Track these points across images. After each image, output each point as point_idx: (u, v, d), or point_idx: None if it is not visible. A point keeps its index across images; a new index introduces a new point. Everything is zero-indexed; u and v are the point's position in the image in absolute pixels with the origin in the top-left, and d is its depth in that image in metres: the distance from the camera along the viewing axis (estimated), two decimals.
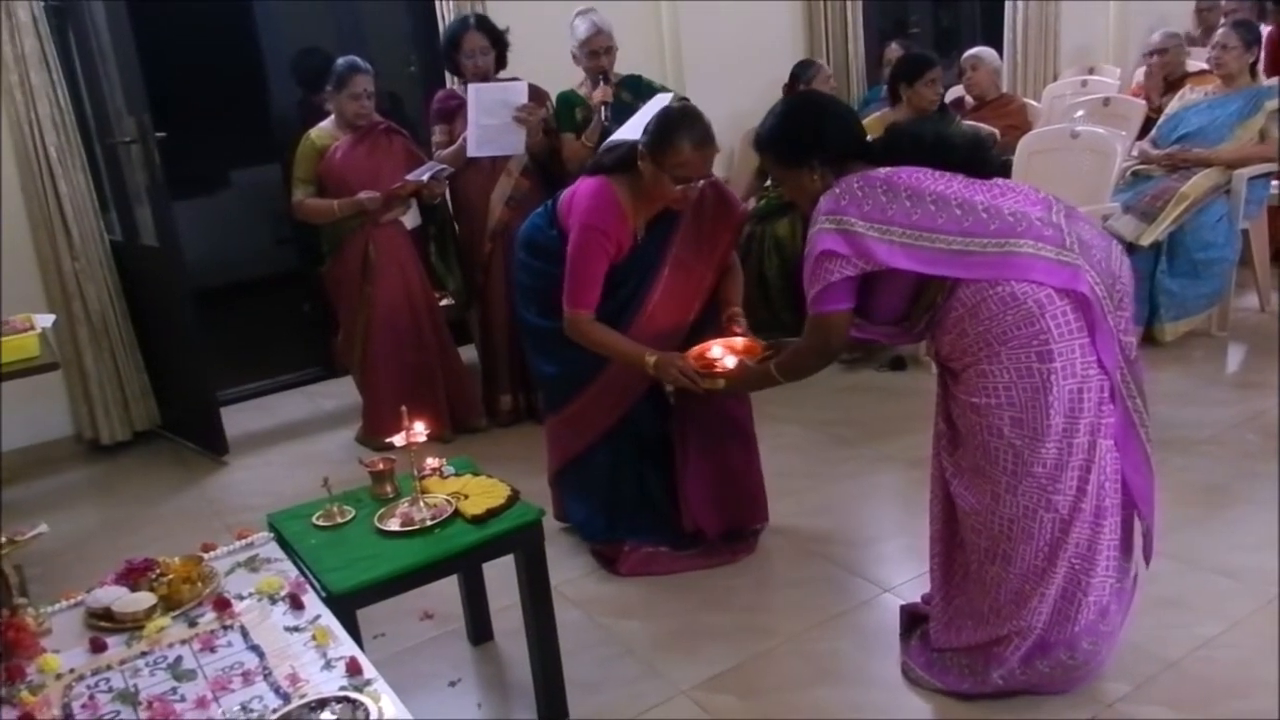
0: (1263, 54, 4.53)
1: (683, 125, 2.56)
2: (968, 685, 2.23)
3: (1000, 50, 6.19)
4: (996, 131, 4.51)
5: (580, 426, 2.88)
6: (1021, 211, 2.06)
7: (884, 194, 2.06)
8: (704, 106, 4.18)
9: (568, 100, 4.04)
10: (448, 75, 4.64)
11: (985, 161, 2.20)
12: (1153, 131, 4.67)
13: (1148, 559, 2.27)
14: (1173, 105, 4.69)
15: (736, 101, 5.49)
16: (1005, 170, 2.25)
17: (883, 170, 2.12)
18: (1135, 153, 4.58)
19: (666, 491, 2.92)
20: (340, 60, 3.90)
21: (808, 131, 2.21)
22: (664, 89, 4.10)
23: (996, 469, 2.08)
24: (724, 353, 2.59)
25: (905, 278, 2.08)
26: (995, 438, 2.07)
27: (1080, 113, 4.90)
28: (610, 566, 2.93)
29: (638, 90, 4.02)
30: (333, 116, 3.94)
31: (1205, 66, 4.82)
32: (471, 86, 3.88)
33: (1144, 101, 5.03)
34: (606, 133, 3.78)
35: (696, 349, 2.62)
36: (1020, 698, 2.23)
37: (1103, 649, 2.18)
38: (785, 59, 5.41)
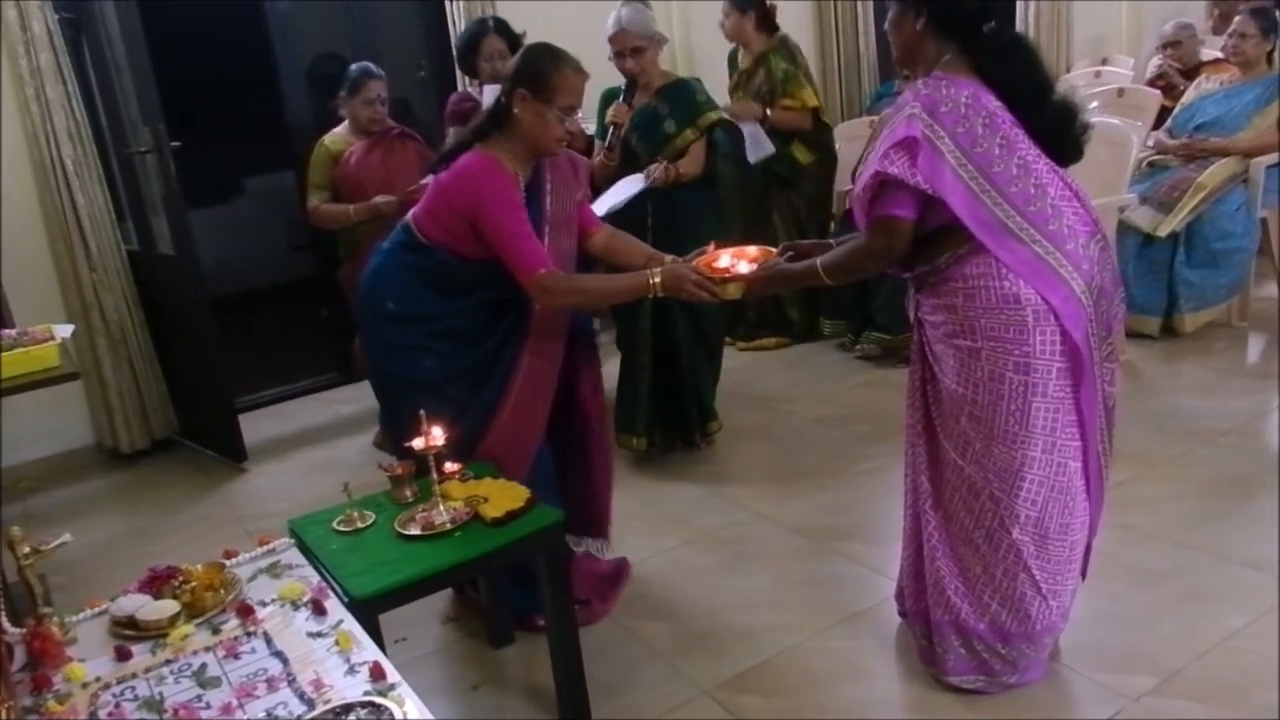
0: None
1: (557, 55, 2.44)
2: (975, 669, 2.24)
3: None
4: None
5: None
6: (1073, 228, 2.02)
7: (983, 125, 1.96)
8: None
9: (605, 98, 3.57)
10: (459, 79, 4.65)
11: (1067, 137, 2.07)
12: (1168, 121, 4.64)
13: (1084, 574, 2.29)
14: (1188, 95, 4.66)
15: None
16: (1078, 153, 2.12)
17: (994, 101, 2.00)
18: (1151, 143, 4.55)
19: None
20: (353, 66, 3.92)
21: None
22: (710, 103, 3.56)
23: (954, 448, 2.13)
24: (734, 261, 2.40)
25: (939, 214, 2.00)
26: (954, 422, 2.11)
27: (1095, 104, 4.86)
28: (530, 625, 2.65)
29: (676, 101, 3.51)
30: (346, 122, 3.95)
31: (1220, 55, 4.78)
32: (488, 88, 3.88)
33: (1159, 92, 4.99)
34: (629, 151, 3.49)
35: (704, 259, 2.42)
36: (1045, 693, 2.22)
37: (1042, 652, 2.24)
38: (792, 11, 5.30)
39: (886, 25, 2.15)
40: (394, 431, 2.63)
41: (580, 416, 2.72)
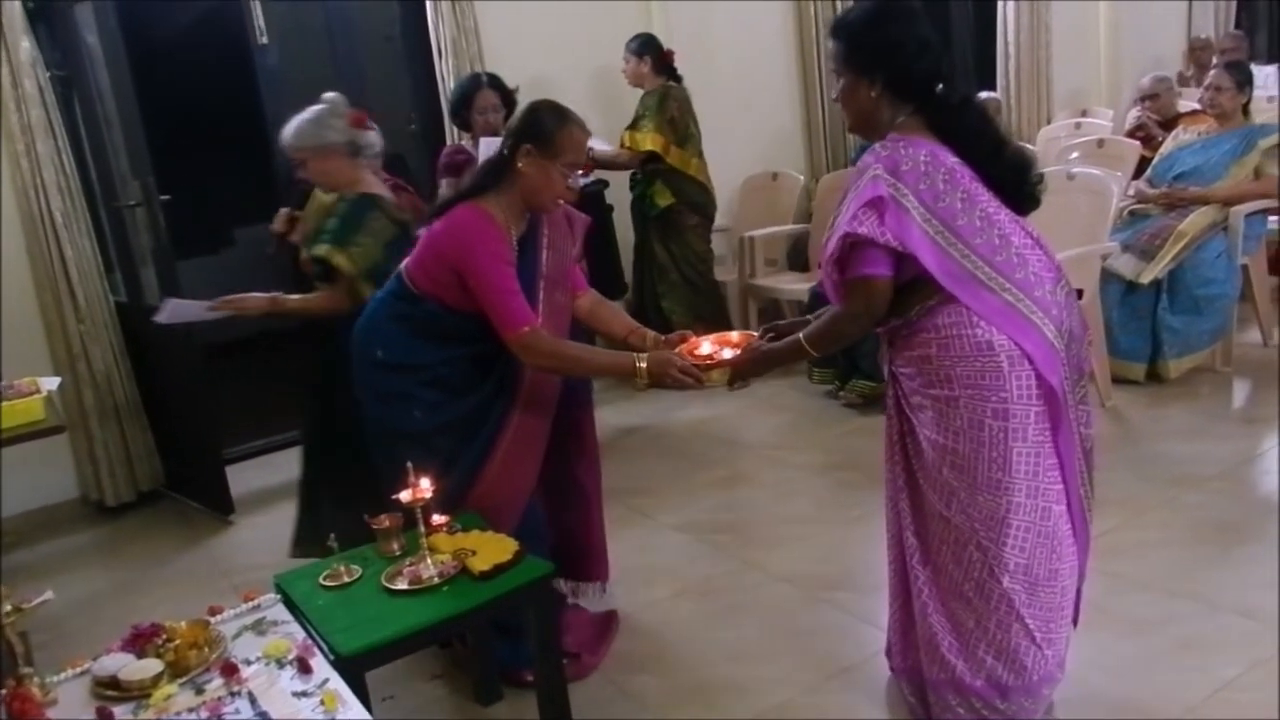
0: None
1: (564, 112, 2.46)
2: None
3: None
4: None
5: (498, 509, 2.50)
6: (1039, 275, 2.05)
7: (944, 181, 2.00)
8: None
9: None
10: (448, 133, 4.71)
11: (1023, 188, 2.12)
12: (1148, 171, 4.71)
13: (1075, 622, 2.26)
14: (1167, 145, 4.74)
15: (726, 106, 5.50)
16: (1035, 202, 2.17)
17: (951, 157, 2.04)
18: (1132, 192, 4.62)
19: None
20: None
21: (890, 41, 2.05)
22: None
23: (939, 500, 2.12)
24: (716, 347, 2.43)
25: (908, 269, 2.03)
26: (937, 473, 2.11)
27: (1075, 154, 4.94)
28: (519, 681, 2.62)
29: (343, 217, 3.02)
30: None
31: (1197, 106, 4.87)
32: (483, 141, 3.98)
33: (1138, 142, 5.08)
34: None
35: (687, 346, 2.45)
36: None
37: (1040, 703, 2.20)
38: (777, 67, 5.35)
39: (837, 96, 2.18)
40: (383, 482, 2.61)
41: (577, 448, 2.74)
